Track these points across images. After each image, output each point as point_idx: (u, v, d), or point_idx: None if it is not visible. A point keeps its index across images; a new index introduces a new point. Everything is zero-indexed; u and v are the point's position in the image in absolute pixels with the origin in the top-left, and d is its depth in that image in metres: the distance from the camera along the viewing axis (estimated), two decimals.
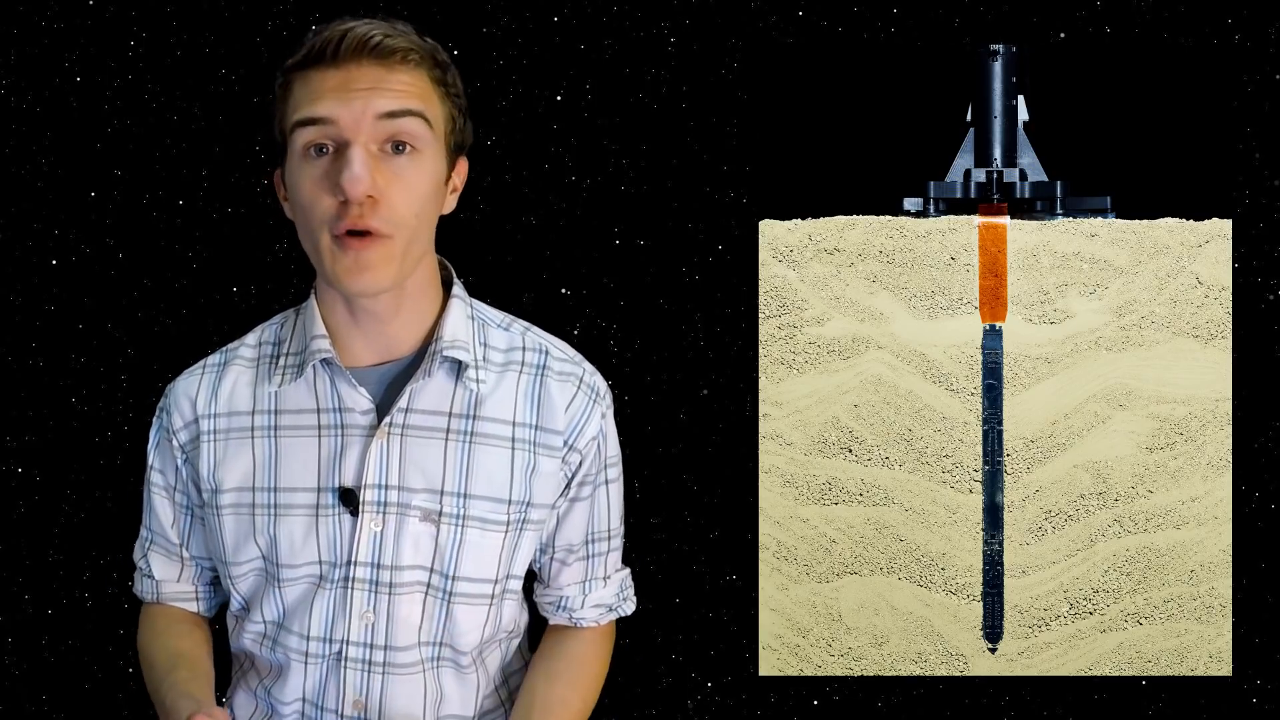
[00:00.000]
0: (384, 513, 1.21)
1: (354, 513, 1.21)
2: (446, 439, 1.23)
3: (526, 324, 1.35)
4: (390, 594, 1.22)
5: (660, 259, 1.96)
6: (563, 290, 1.96)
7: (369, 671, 1.23)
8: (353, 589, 1.22)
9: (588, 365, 1.34)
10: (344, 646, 1.23)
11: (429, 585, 1.23)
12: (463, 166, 1.28)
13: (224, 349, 1.33)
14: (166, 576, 1.37)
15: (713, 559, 1.97)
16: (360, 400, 1.22)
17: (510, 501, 1.25)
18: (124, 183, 1.91)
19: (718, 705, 1.97)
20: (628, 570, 1.45)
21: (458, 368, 1.25)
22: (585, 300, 1.96)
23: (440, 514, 1.22)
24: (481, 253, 1.91)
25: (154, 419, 1.34)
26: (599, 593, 1.39)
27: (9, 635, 1.94)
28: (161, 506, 1.34)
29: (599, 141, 1.94)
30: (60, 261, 1.92)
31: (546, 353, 1.31)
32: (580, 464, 1.31)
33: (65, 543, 1.94)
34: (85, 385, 1.93)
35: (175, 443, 1.29)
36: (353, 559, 1.21)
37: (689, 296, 1.96)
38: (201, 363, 1.33)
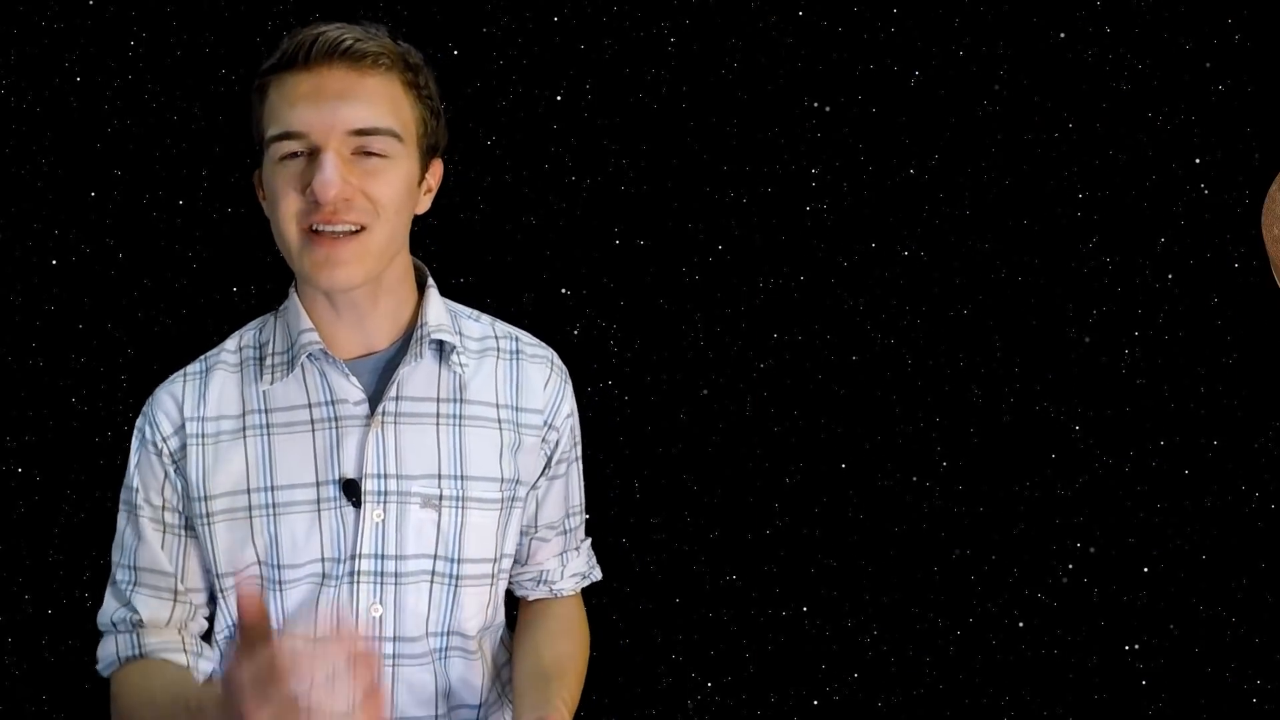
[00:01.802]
0: (384, 502, 1.22)
1: (356, 504, 1.21)
2: (438, 423, 1.25)
3: (491, 316, 1.38)
4: (396, 584, 1.22)
5: (660, 259, 1.96)
6: (563, 290, 1.96)
7: (378, 665, 1.22)
8: (358, 583, 1.21)
9: (551, 349, 1.38)
10: None
11: (434, 572, 1.24)
12: (437, 168, 1.29)
13: (202, 357, 1.30)
14: (154, 619, 1.25)
15: (713, 559, 1.97)
16: (353, 391, 1.22)
17: (503, 480, 1.27)
18: (124, 183, 1.91)
19: (718, 705, 1.97)
20: (590, 539, 1.49)
21: (441, 352, 1.27)
22: (585, 300, 1.96)
23: (440, 499, 1.23)
24: (481, 253, 1.91)
25: (134, 438, 1.27)
26: (574, 563, 1.43)
27: (9, 635, 1.94)
28: (150, 533, 1.25)
29: (599, 141, 1.94)
30: (60, 261, 1.92)
31: (517, 339, 1.35)
32: (558, 442, 1.34)
33: (65, 543, 1.94)
34: (85, 385, 1.93)
35: (164, 452, 1.24)
36: (357, 552, 1.21)
37: (689, 296, 1.96)
38: (180, 372, 1.29)
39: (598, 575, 1.48)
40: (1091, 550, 1.95)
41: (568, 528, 1.41)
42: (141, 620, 1.25)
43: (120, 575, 1.27)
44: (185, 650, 1.25)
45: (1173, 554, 1.92)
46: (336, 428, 1.22)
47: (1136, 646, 1.92)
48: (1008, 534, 1.97)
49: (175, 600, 1.26)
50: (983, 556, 1.98)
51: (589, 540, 1.48)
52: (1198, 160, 1.85)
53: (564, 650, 1.33)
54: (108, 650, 1.27)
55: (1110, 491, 1.93)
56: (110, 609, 1.27)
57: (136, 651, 1.25)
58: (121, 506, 1.28)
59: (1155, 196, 1.86)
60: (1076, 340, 1.89)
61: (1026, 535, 1.96)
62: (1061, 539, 1.95)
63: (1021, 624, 1.96)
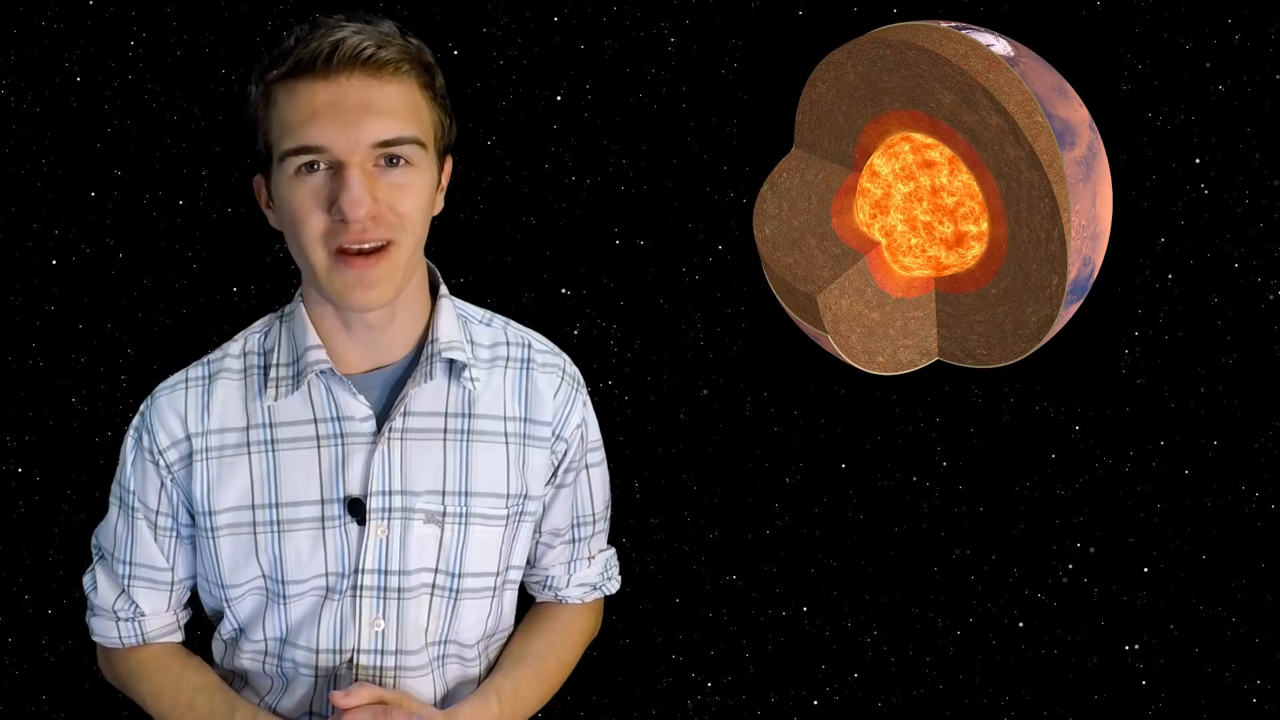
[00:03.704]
0: (389, 519, 1.21)
1: (361, 522, 1.20)
2: (445, 439, 1.23)
3: (505, 318, 1.35)
4: (399, 599, 1.22)
5: (660, 259, 1.96)
6: (563, 290, 1.96)
7: (380, 678, 1.23)
8: (361, 598, 1.21)
9: (565, 355, 1.35)
10: (355, 655, 1.23)
11: (434, 586, 1.23)
12: (448, 165, 1.26)
13: (205, 360, 1.27)
14: (155, 609, 1.30)
15: (713, 559, 1.97)
16: (359, 408, 1.20)
17: (509, 495, 1.25)
18: (124, 183, 1.91)
19: (718, 705, 1.97)
20: (613, 550, 1.46)
21: (450, 367, 1.25)
22: (585, 300, 1.96)
23: (444, 515, 1.22)
24: (481, 253, 1.91)
25: (129, 439, 1.26)
26: (583, 573, 1.41)
27: (9, 635, 1.94)
28: (145, 532, 1.26)
29: (599, 141, 1.94)
30: (60, 261, 1.92)
31: (529, 346, 1.31)
32: (566, 452, 1.32)
33: (65, 543, 1.94)
34: (85, 385, 1.93)
35: (161, 463, 1.23)
36: (360, 567, 1.20)
37: (689, 296, 1.96)
38: (182, 376, 1.26)
39: (612, 589, 1.45)
40: (1091, 550, 1.95)
41: (576, 536, 1.39)
42: (144, 611, 1.30)
43: (120, 568, 1.29)
44: (179, 627, 1.33)
45: (1173, 554, 1.92)
46: (342, 445, 1.21)
47: (1136, 646, 1.92)
48: (1008, 534, 1.97)
49: (171, 589, 1.30)
50: (983, 556, 1.98)
51: (611, 551, 1.45)
52: (1198, 160, 1.86)
53: (535, 649, 1.34)
54: (107, 630, 1.31)
55: (1110, 491, 1.93)
56: (109, 595, 1.30)
57: (141, 639, 1.31)
58: (114, 500, 1.29)
59: (1155, 196, 1.86)
60: (1077, 340, 1.89)
61: (1026, 535, 1.96)
62: (1061, 539, 1.95)
63: (1021, 624, 1.96)
